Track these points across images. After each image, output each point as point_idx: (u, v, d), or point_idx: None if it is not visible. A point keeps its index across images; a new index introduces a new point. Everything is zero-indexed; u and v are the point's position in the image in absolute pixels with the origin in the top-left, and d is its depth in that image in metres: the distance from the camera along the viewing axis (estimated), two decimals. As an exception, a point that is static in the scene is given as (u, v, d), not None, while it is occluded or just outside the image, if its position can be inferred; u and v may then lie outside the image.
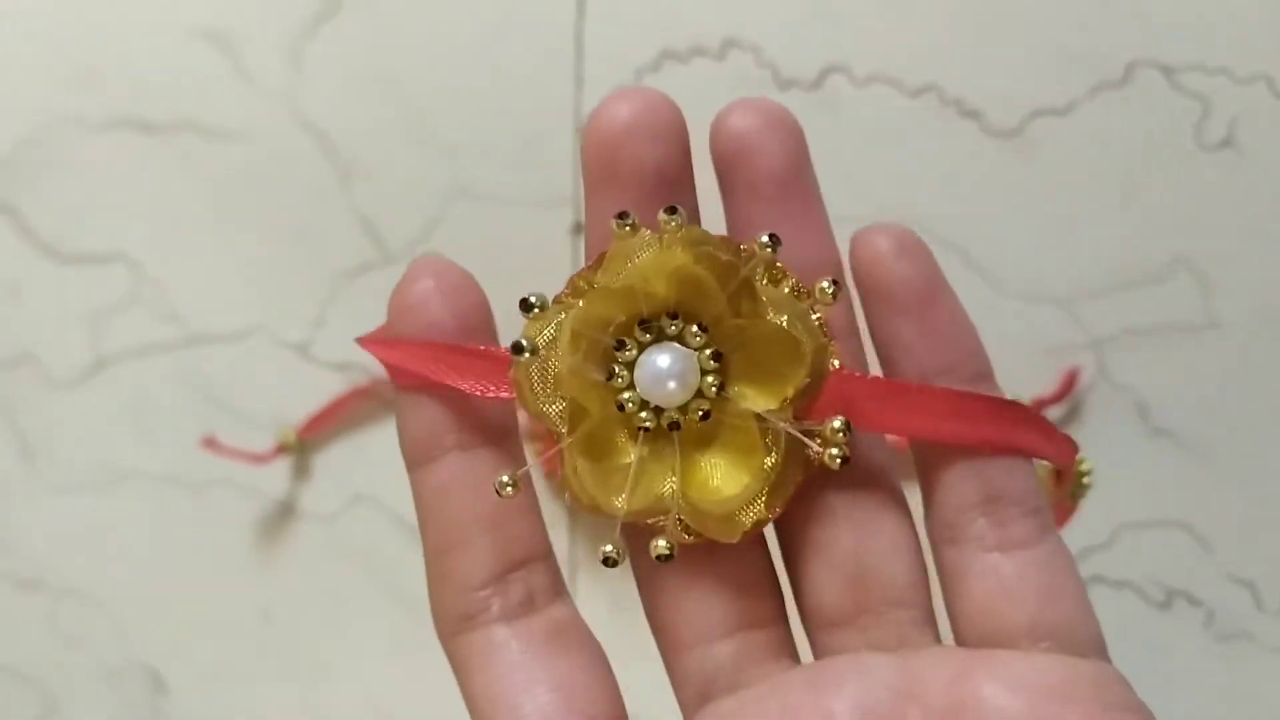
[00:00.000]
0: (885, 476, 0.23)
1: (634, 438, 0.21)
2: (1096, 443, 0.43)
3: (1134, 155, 0.43)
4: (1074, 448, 0.24)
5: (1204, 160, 0.43)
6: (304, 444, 0.47)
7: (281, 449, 0.46)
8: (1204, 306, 0.43)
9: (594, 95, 0.45)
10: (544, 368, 0.21)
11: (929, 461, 0.23)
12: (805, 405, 0.21)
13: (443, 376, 0.22)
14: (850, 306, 0.23)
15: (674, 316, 0.21)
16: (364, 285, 0.46)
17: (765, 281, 0.22)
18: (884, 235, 0.22)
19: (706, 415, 0.21)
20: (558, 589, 0.23)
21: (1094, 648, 0.23)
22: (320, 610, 0.48)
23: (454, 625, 0.22)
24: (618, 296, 0.21)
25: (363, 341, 0.23)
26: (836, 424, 0.21)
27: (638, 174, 0.22)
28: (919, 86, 0.44)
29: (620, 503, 0.21)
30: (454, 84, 0.46)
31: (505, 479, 0.21)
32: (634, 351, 0.21)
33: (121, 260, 0.47)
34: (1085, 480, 0.28)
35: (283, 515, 0.48)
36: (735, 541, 0.22)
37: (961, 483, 0.23)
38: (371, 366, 0.46)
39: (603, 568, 0.45)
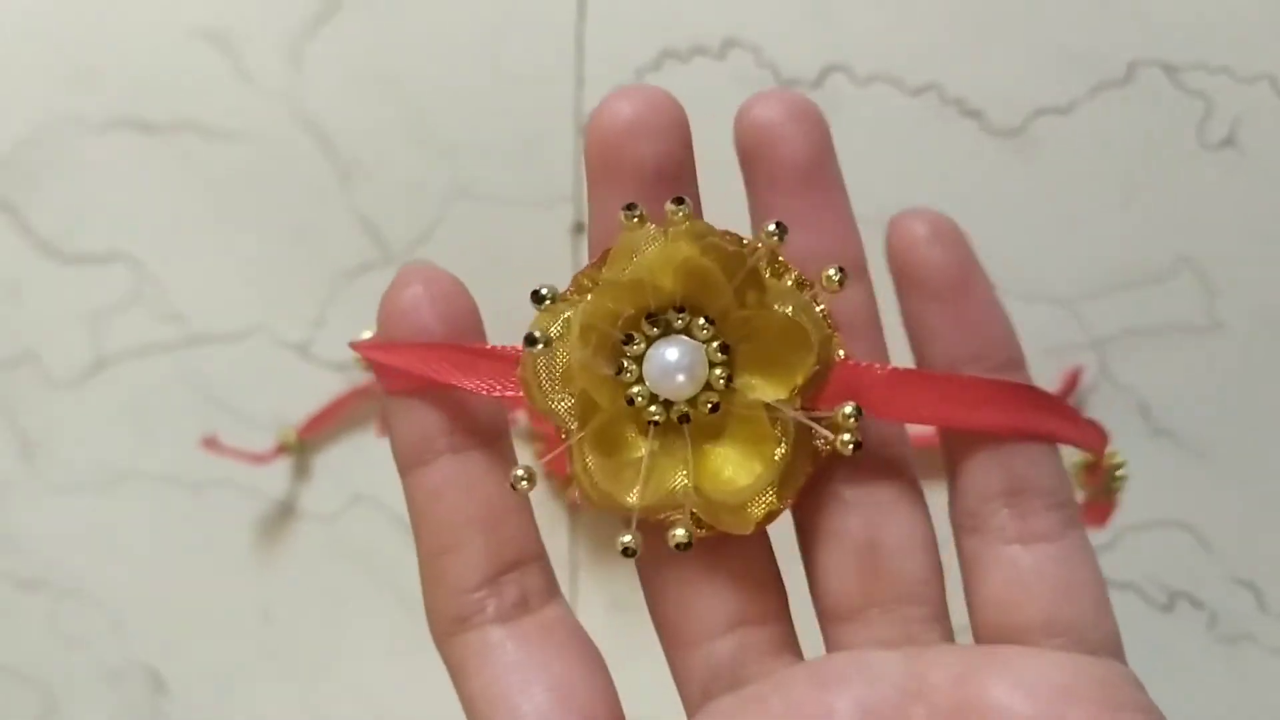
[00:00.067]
0: (903, 470, 0.23)
1: (644, 432, 0.21)
2: (1098, 443, 0.43)
3: (1136, 155, 0.43)
4: (1102, 434, 0.24)
5: (1206, 160, 0.43)
6: (304, 444, 0.47)
7: (282, 449, 0.46)
8: (1206, 307, 0.43)
9: (595, 95, 0.45)
10: (551, 365, 0.22)
11: (955, 448, 0.23)
12: (812, 395, 0.22)
13: (447, 377, 0.22)
14: (871, 296, 0.24)
15: (681, 310, 0.21)
16: (364, 285, 0.46)
17: (768, 274, 0.22)
18: (920, 220, 0.22)
19: (716, 407, 0.21)
20: (552, 590, 0.23)
21: (1108, 647, 0.22)
22: (320, 610, 0.48)
23: (449, 627, 0.23)
24: (625, 290, 0.21)
25: (361, 347, 0.23)
26: (848, 409, 0.21)
27: (639, 170, 0.22)
28: (920, 86, 0.43)
29: (632, 498, 0.21)
30: (454, 84, 0.46)
31: (520, 473, 0.21)
32: (642, 345, 0.21)
33: (122, 260, 0.47)
34: (1119, 473, 0.28)
35: (283, 515, 0.48)
36: (749, 533, 0.22)
37: (985, 472, 0.23)
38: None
39: (602, 568, 0.45)
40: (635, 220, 0.21)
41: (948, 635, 0.23)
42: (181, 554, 0.48)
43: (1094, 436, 0.23)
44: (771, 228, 0.21)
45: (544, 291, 0.21)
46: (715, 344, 0.21)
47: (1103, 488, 0.27)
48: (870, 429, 0.23)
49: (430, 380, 0.22)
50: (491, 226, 0.46)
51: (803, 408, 0.21)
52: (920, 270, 0.22)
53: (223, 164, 0.47)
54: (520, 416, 0.45)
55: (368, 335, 0.26)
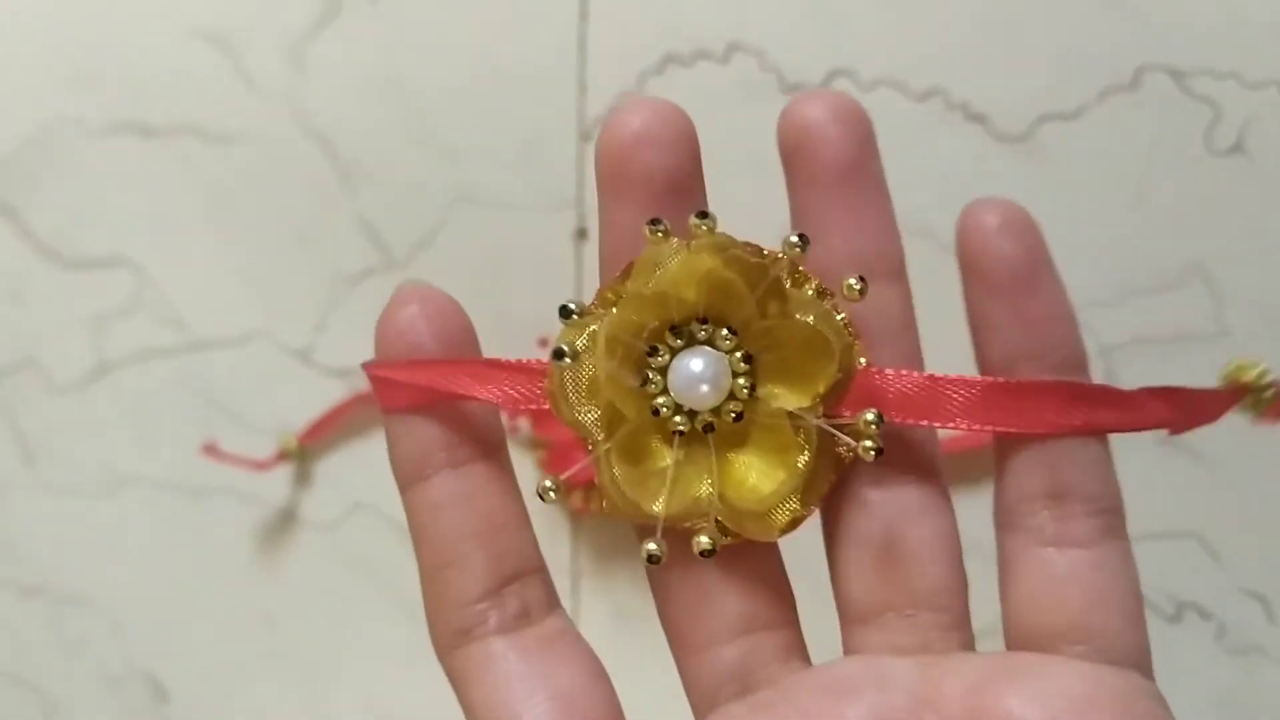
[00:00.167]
0: (930, 475, 0.23)
1: (669, 441, 0.22)
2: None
3: (1143, 161, 0.43)
4: (1169, 409, 0.23)
5: (1214, 166, 0.43)
6: (305, 450, 0.47)
7: (282, 455, 0.46)
8: (1215, 314, 0.43)
9: (597, 99, 0.45)
10: (578, 377, 0.22)
11: (1002, 445, 0.23)
12: (834, 403, 0.22)
13: (470, 390, 0.22)
14: (907, 300, 0.23)
15: (704, 321, 0.22)
16: (366, 290, 0.46)
17: (789, 283, 0.22)
18: (992, 211, 0.22)
19: (740, 416, 0.22)
20: (552, 602, 0.23)
21: (1134, 659, 0.22)
22: (321, 617, 0.47)
23: (451, 640, 0.23)
24: (650, 302, 0.22)
25: (376, 367, 0.23)
26: (869, 416, 0.21)
27: (649, 182, 0.22)
28: (925, 90, 0.43)
29: (658, 506, 0.21)
30: (456, 87, 0.45)
31: (548, 483, 0.22)
32: (666, 357, 0.22)
33: (123, 264, 0.47)
34: (1268, 394, 0.26)
35: (284, 522, 0.47)
36: (774, 539, 0.22)
37: (1029, 472, 0.23)
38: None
39: (605, 577, 0.45)
40: (660, 234, 0.21)
41: (967, 644, 0.23)
42: (182, 560, 0.48)
43: (1154, 415, 0.23)
44: (794, 238, 0.21)
45: (571, 306, 0.22)
46: (738, 354, 0.22)
47: (1248, 404, 0.25)
48: (898, 433, 0.23)
49: (453, 394, 0.22)
50: (493, 231, 0.45)
51: (825, 415, 0.22)
52: (986, 262, 0.22)
53: (223, 167, 0.47)
54: (522, 424, 0.45)
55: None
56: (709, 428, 0.22)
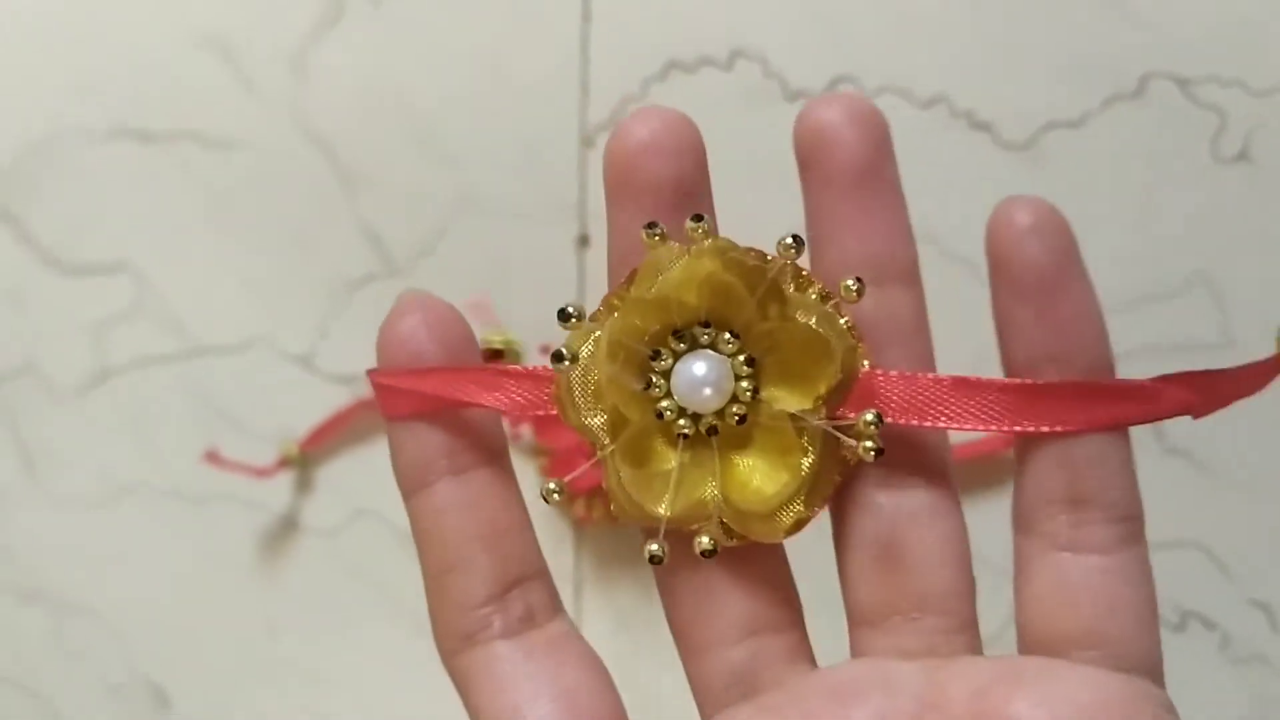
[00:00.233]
0: (940, 479, 0.23)
1: (673, 444, 0.22)
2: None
3: (1148, 169, 0.43)
4: (1189, 394, 0.23)
5: (1220, 174, 0.42)
6: (306, 457, 0.47)
7: (284, 462, 0.46)
8: (1220, 323, 0.43)
9: (600, 105, 0.45)
10: (585, 382, 0.22)
11: (1022, 448, 0.23)
12: (837, 405, 0.22)
13: (477, 398, 0.22)
14: (920, 303, 0.23)
15: (706, 325, 0.22)
16: (367, 297, 0.46)
17: (792, 288, 0.23)
18: (1024, 209, 0.22)
19: (743, 419, 0.22)
20: (555, 606, 0.24)
21: (1145, 668, 0.22)
22: (323, 624, 0.47)
23: (456, 644, 0.23)
24: (651, 307, 0.22)
25: (381, 375, 0.23)
26: (869, 417, 0.21)
27: (656, 190, 0.22)
28: (929, 98, 0.43)
29: (663, 508, 0.22)
30: (458, 92, 0.45)
31: (552, 485, 0.22)
32: (669, 361, 0.22)
33: (124, 271, 0.47)
34: None
35: (285, 529, 0.47)
36: (779, 540, 0.22)
37: (1049, 476, 0.22)
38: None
39: (607, 585, 0.45)
40: (657, 238, 0.22)
41: (974, 647, 0.23)
42: (184, 567, 0.48)
43: (1172, 403, 0.23)
44: (789, 240, 0.22)
45: (570, 309, 0.22)
46: (741, 357, 0.22)
47: None
48: (909, 436, 0.23)
49: (459, 401, 0.23)
50: (495, 238, 0.45)
51: (828, 417, 0.22)
52: (1014, 263, 0.22)
53: (224, 173, 0.47)
54: (524, 431, 0.45)
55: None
56: (713, 430, 0.22)
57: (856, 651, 0.23)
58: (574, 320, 0.22)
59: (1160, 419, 0.23)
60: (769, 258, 0.22)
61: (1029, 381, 0.22)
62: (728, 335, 0.22)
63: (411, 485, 0.23)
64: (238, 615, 0.48)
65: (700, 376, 0.22)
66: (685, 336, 0.22)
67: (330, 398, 0.47)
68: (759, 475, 0.22)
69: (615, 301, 0.23)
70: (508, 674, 0.22)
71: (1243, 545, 0.43)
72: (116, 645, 0.48)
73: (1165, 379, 0.22)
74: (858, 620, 0.23)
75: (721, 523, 0.22)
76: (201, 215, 0.47)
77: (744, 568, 0.23)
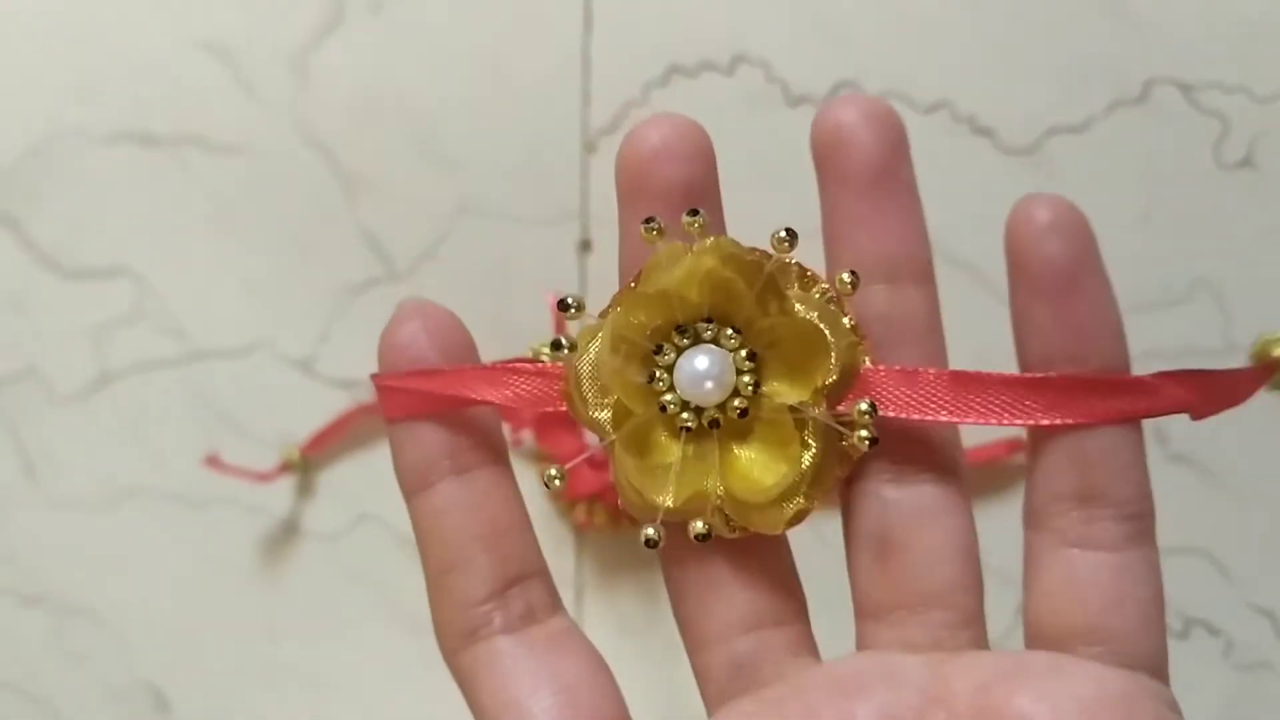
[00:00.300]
0: (950, 476, 0.23)
1: (676, 437, 0.23)
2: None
3: (1151, 175, 0.43)
4: (1188, 392, 0.23)
5: (1223, 180, 0.42)
6: (308, 461, 0.46)
7: (285, 467, 0.46)
8: (1223, 329, 0.43)
9: (601, 110, 0.45)
10: (593, 377, 0.23)
11: (1034, 443, 0.23)
12: (837, 401, 0.22)
13: (486, 394, 0.23)
14: (933, 302, 0.24)
15: (709, 321, 0.23)
16: (369, 301, 0.46)
17: (796, 286, 0.23)
18: (1043, 207, 0.22)
19: (744, 413, 0.22)
20: (555, 604, 0.24)
21: (1149, 665, 0.22)
22: (324, 629, 0.47)
23: (458, 642, 0.23)
24: (653, 302, 0.22)
25: (385, 378, 0.24)
26: (863, 406, 0.22)
27: (667, 193, 0.23)
28: (931, 103, 0.43)
29: (666, 499, 0.22)
30: (459, 97, 0.45)
31: (553, 472, 0.22)
32: (672, 355, 0.23)
33: (124, 274, 0.47)
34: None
35: (286, 533, 0.47)
36: (779, 532, 0.23)
37: (1059, 472, 0.23)
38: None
39: (608, 590, 0.45)
40: (655, 232, 0.22)
41: (979, 642, 0.23)
42: (184, 571, 0.48)
43: (1171, 399, 0.23)
44: (782, 233, 0.22)
45: (569, 300, 0.23)
46: (743, 352, 0.22)
47: (1274, 384, 0.25)
48: (921, 432, 0.23)
49: (467, 399, 0.23)
50: (497, 243, 0.45)
51: (829, 413, 0.22)
52: (1032, 261, 0.22)
53: (225, 177, 0.47)
54: (525, 437, 0.45)
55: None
56: (714, 423, 0.22)
57: (862, 644, 0.24)
58: (573, 311, 0.23)
59: (1159, 415, 0.23)
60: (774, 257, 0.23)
61: (1028, 375, 0.22)
62: (730, 331, 0.22)
63: (413, 486, 0.24)
64: (238, 619, 0.47)
65: (702, 370, 0.22)
66: (688, 332, 0.23)
67: (331, 402, 0.46)
68: (759, 467, 0.22)
69: (622, 300, 0.23)
70: (509, 669, 0.23)
71: (1247, 551, 0.43)
72: (117, 649, 0.48)
73: (1164, 375, 0.23)
74: (864, 613, 0.24)
75: (724, 515, 0.23)
76: (202, 219, 0.47)
77: (747, 561, 0.23)
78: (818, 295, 0.23)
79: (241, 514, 0.47)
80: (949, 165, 0.43)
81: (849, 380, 0.22)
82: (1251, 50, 0.42)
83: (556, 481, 0.22)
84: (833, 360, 0.22)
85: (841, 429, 0.22)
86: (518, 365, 0.23)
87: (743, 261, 0.22)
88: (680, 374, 0.22)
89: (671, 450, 0.23)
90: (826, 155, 0.23)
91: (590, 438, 0.43)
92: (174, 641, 0.48)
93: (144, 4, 0.47)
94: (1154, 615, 0.23)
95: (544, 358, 0.23)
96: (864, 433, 0.22)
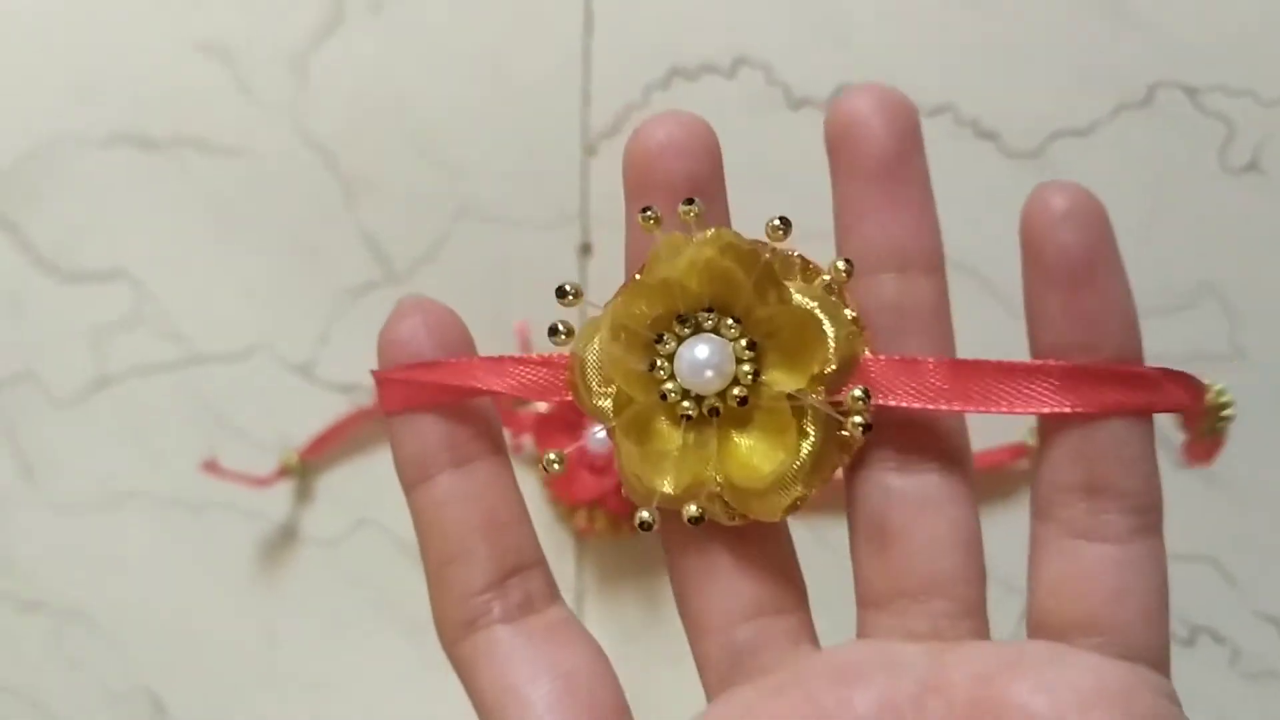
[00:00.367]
0: (955, 466, 0.24)
1: (677, 424, 0.23)
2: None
3: (1157, 178, 0.42)
4: (1188, 392, 0.23)
5: (1229, 184, 0.42)
6: (306, 465, 0.46)
7: (284, 471, 0.46)
8: (1229, 334, 0.42)
9: (602, 113, 0.44)
10: (599, 368, 0.23)
11: (1044, 432, 0.23)
12: (836, 390, 0.23)
13: (491, 384, 0.23)
14: (941, 291, 0.24)
15: (710, 311, 0.23)
16: (368, 305, 0.46)
17: (800, 280, 0.23)
18: (1061, 195, 0.22)
19: (744, 401, 0.23)
20: (553, 594, 0.24)
21: (1150, 658, 0.22)
22: (322, 634, 0.47)
23: (457, 632, 0.24)
24: (653, 291, 0.23)
25: (388, 373, 0.24)
26: (857, 393, 0.22)
27: (671, 186, 0.23)
28: (935, 106, 0.43)
29: (666, 486, 0.23)
30: (459, 99, 0.45)
31: (552, 456, 0.23)
32: (673, 344, 0.23)
33: (123, 278, 0.47)
34: (1225, 413, 0.26)
35: (285, 538, 0.47)
36: (777, 519, 0.23)
37: (1067, 463, 0.23)
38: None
39: (609, 596, 0.45)
40: (652, 221, 0.23)
41: (980, 632, 0.23)
42: (183, 576, 0.48)
43: (1171, 397, 0.23)
44: (776, 221, 0.22)
45: (567, 287, 0.23)
46: (743, 341, 0.23)
47: (1205, 429, 0.25)
48: (924, 422, 0.23)
49: (473, 389, 0.23)
50: (497, 246, 0.45)
51: (829, 402, 0.23)
52: (1046, 251, 0.22)
53: (224, 180, 0.47)
54: (525, 443, 0.45)
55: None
56: (714, 411, 0.23)
57: (862, 632, 0.24)
58: (570, 298, 0.23)
59: (1159, 410, 0.23)
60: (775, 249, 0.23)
61: (1026, 363, 0.22)
62: (730, 320, 0.23)
63: (413, 478, 0.24)
64: (237, 624, 0.47)
65: (702, 359, 0.22)
66: (689, 321, 0.23)
67: (331, 406, 0.46)
68: (758, 455, 0.23)
69: (624, 290, 0.24)
70: (508, 657, 0.23)
71: (1253, 559, 0.43)
72: (115, 654, 0.48)
73: (1165, 371, 0.23)
74: (865, 601, 0.24)
75: (724, 502, 0.23)
76: (201, 222, 0.47)
77: (748, 550, 0.24)
78: (820, 287, 0.23)
79: (240, 518, 0.47)
80: (953, 169, 0.43)
81: (849, 370, 0.23)
82: (1257, 53, 0.42)
83: (555, 465, 0.23)
84: (831, 349, 0.22)
85: (837, 416, 0.22)
86: (526, 357, 0.24)
87: (741, 251, 0.22)
88: (681, 363, 0.23)
89: (672, 438, 0.23)
90: (839, 144, 0.23)
91: (590, 442, 0.43)
92: (172, 646, 0.48)
93: (142, 6, 0.47)
94: (1156, 608, 0.23)
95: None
96: (858, 418, 0.22)
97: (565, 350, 0.23)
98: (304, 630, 0.47)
